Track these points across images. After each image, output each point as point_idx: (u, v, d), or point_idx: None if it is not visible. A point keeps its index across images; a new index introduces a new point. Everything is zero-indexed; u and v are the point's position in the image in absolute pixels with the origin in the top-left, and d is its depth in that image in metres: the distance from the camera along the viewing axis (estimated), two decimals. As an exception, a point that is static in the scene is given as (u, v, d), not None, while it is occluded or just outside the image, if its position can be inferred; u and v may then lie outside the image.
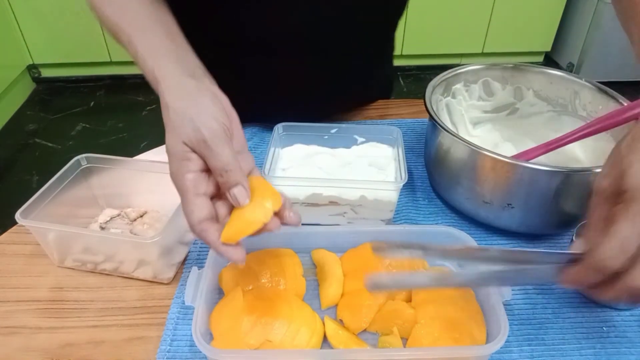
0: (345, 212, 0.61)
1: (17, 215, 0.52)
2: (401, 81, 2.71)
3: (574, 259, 0.40)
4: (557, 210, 0.56)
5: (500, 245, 0.60)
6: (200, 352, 0.43)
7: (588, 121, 0.62)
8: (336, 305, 0.52)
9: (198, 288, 0.47)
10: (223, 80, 0.76)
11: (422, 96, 0.64)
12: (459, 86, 0.71)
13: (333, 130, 0.69)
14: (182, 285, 0.55)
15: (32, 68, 2.56)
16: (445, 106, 0.71)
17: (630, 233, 0.36)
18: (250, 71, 0.74)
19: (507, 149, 0.68)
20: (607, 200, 0.39)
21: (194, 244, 0.60)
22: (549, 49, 2.72)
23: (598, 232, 0.38)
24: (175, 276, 0.56)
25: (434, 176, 0.67)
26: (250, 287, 0.50)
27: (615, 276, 0.37)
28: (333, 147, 0.67)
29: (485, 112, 0.75)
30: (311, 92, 0.76)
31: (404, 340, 0.48)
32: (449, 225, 0.58)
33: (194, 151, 0.43)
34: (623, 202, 0.37)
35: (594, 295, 0.49)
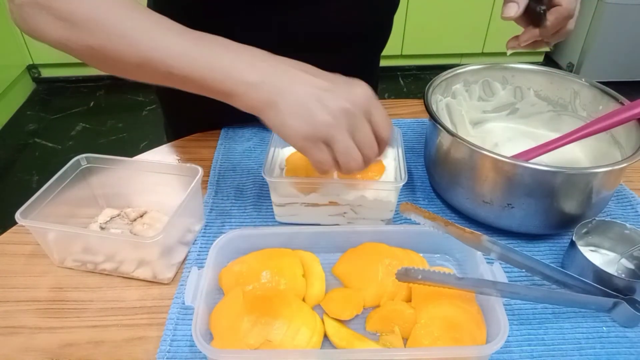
0: (345, 212, 0.61)
1: (17, 215, 0.52)
2: (401, 81, 2.71)
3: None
4: (557, 210, 0.56)
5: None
6: (200, 352, 0.43)
7: (588, 121, 0.62)
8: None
9: (198, 288, 0.47)
10: None
11: (422, 96, 0.64)
12: (459, 86, 0.71)
13: (333, 130, 0.68)
14: (182, 285, 0.55)
15: (32, 68, 2.56)
16: (445, 106, 0.71)
17: None
18: None
19: (507, 149, 0.68)
20: None
21: (193, 244, 0.60)
22: (549, 49, 2.72)
23: None
24: (175, 276, 0.56)
25: (434, 176, 0.67)
26: (250, 287, 0.50)
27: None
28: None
29: (485, 112, 0.75)
30: None
31: (404, 340, 0.48)
32: (449, 225, 0.58)
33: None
34: None
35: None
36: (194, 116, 0.65)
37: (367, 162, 0.48)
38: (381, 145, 0.49)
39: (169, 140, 0.81)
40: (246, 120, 0.78)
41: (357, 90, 0.46)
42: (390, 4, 0.78)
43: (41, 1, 0.47)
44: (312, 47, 0.71)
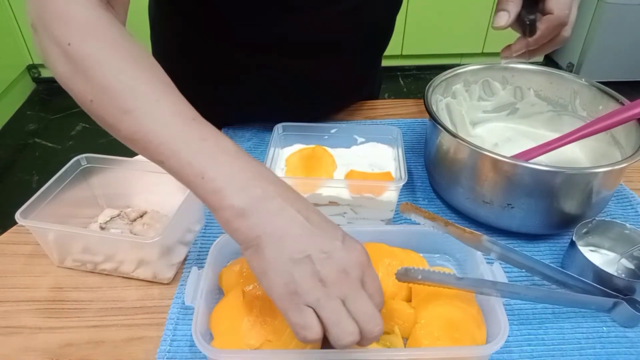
0: (345, 212, 0.61)
1: (17, 215, 0.52)
2: (401, 81, 2.71)
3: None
4: (557, 210, 0.56)
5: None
6: (200, 352, 0.43)
7: (588, 121, 0.62)
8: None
9: (198, 288, 0.47)
10: (225, 82, 0.76)
11: (422, 96, 0.64)
12: (459, 86, 0.71)
13: (333, 130, 0.68)
14: (182, 285, 0.55)
15: (32, 68, 2.56)
16: (445, 106, 0.71)
17: None
18: (253, 71, 0.74)
19: (507, 149, 0.68)
20: None
21: (194, 244, 0.60)
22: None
23: None
24: (175, 276, 0.56)
25: (434, 176, 0.67)
26: (250, 287, 0.50)
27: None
28: (333, 147, 0.67)
29: (485, 112, 0.75)
30: (308, 91, 0.77)
31: (404, 340, 0.48)
32: (449, 225, 0.58)
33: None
34: None
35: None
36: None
37: (366, 338, 0.38)
38: None
39: None
40: (247, 120, 0.78)
41: (358, 252, 0.39)
42: (392, 6, 0.78)
43: (42, 22, 0.43)
44: (313, 52, 0.71)
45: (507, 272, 0.53)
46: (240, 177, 0.39)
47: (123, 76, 0.41)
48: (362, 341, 0.38)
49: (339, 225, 0.41)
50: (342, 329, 0.37)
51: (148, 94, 0.41)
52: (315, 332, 0.37)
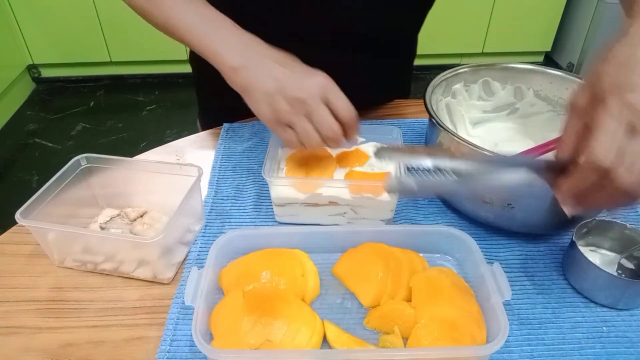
0: (345, 212, 0.61)
1: (17, 215, 0.52)
2: (401, 81, 2.71)
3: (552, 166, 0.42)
4: (557, 210, 0.56)
5: (500, 246, 0.60)
6: (200, 352, 0.43)
7: (588, 121, 0.61)
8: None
9: (198, 288, 0.47)
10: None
11: (422, 96, 0.64)
12: (459, 86, 0.71)
13: (333, 130, 0.68)
14: (182, 285, 0.55)
15: (32, 68, 2.56)
16: (445, 106, 0.71)
17: (616, 127, 0.37)
18: None
19: (507, 149, 0.67)
20: (583, 114, 0.41)
21: (193, 244, 0.60)
22: (549, 49, 2.72)
23: (577, 141, 0.40)
24: (175, 276, 0.56)
25: (434, 176, 0.67)
26: (250, 287, 0.50)
27: (606, 178, 0.38)
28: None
29: (485, 112, 0.75)
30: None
31: (404, 340, 0.48)
32: (449, 225, 0.57)
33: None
34: (601, 104, 0.38)
35: (587, 204, 0.44)
36: (229, 106, 0.67)
37: (329, 140, 0.55)
38: (346, 125, 0.56)
39: (203, 129, 0.82)
40: (248, 115, 0.77)
41: (313, 81, 0.54)
42: (408, 14, 0.77)
43: None
44: (320, 45, 0.70)
45: (507, 272, 0.53)
46: (233, 45, 0.57)
47: None
48: (327, 143, 0.56)
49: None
50: (306, 136, 0.55)
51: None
52: (295, 143, 0.56)
